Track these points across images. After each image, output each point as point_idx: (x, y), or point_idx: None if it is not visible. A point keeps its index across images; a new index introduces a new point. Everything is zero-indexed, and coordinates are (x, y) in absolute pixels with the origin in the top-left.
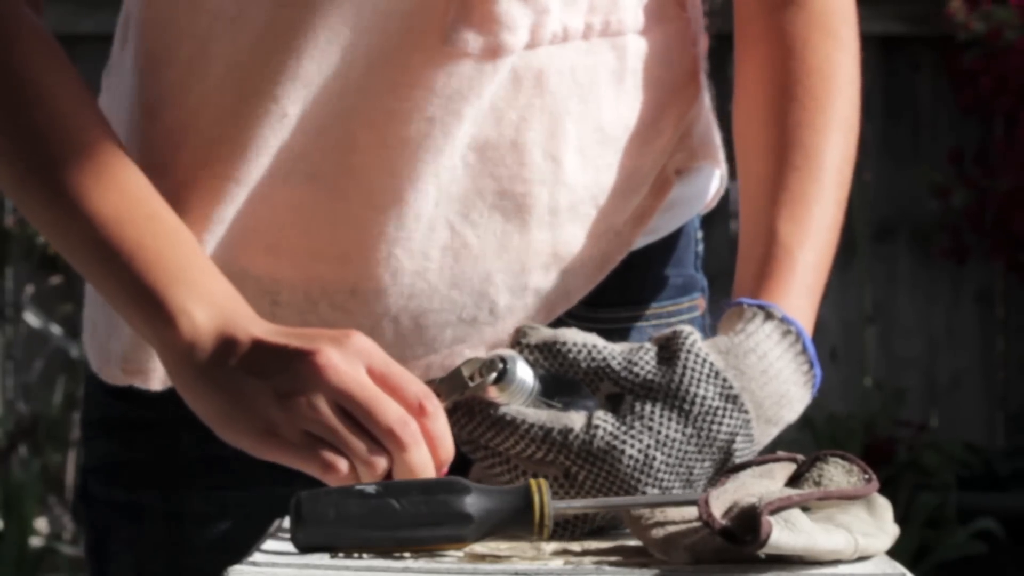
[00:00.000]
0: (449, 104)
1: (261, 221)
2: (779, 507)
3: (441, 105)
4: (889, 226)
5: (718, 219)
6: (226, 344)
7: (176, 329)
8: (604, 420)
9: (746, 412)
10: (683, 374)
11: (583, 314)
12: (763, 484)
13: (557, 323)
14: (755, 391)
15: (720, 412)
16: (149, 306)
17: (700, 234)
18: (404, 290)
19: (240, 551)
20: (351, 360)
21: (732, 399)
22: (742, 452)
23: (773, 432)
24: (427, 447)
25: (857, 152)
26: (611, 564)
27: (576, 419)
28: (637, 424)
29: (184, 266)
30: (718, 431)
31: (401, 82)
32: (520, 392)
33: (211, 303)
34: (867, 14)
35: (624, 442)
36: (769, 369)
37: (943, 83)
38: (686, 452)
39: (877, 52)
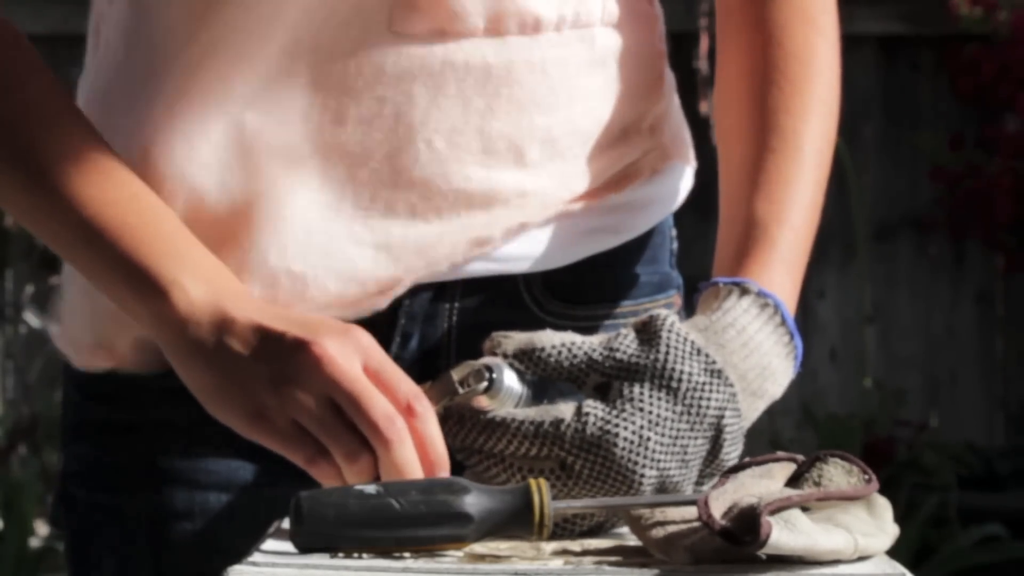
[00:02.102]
0: (399, 85)
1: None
2: (779, 507)
3: (391, 85)
4: (889, 226)
5: (717, 217)
6: (223, 323)
7: (170, 302)
8: (594, 407)
9: (731, 386)
10: (666, 352)
11: (561, 311)
12: (763, 484)
13: (535, 326)
14: (737, 364)
15: (706, 387)
16: (140, 282)
17: (674, 232)
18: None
19: (224, 552)
20: (348, 354)
21: (716, 374)
22: (732, 428)
23: (760, 406)
24: (415, 447)
25: (857, 152)
26: (611, 564)
27: (566, 409)
28: (627, 407)
29: (171, 240)
30: (707, 406)
31: (351, 61)
32: (509, 399)
33: (202, 276)
34: (867, 14)
35: (617, 425)
36: (749, 343)
37: (943, 83)
38: (679, 430)
39: (877, 52)
